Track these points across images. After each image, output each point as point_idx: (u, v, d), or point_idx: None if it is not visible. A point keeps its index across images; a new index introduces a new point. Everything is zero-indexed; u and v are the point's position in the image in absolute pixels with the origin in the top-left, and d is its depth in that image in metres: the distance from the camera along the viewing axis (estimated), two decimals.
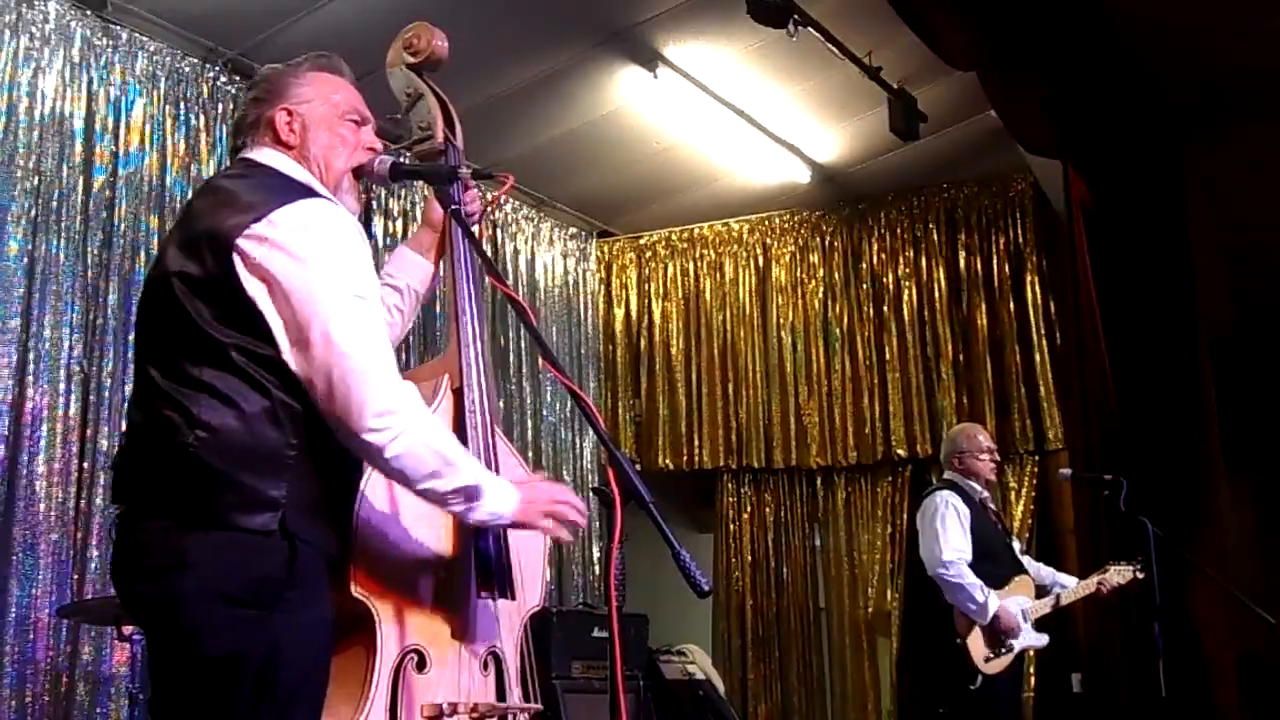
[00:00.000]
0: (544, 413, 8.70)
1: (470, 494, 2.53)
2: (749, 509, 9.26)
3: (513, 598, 2.85)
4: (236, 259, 2.45)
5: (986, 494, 6.45)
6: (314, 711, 2.50)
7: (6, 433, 5.38)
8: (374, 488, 2.66)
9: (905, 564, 8.59)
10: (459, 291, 2.94)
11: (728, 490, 9.30)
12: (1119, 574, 6.26)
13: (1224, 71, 7.21)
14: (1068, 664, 7.76)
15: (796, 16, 6.31)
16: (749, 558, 9.18)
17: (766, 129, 7.94)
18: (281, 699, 2.41)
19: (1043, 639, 6.29)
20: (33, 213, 5.64)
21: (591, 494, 8.51)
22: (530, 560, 2.96)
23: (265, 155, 2.72)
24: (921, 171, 8.57)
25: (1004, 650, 6.03)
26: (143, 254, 6.06)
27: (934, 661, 6.39)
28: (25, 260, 5.55)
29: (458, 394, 2.86)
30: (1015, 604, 6.12)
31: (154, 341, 2.56)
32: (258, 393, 2.44)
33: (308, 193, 2.61)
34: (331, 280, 2.47)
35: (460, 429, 2.83)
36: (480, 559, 2.79)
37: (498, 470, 2.78)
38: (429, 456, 2.48)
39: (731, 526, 9.26)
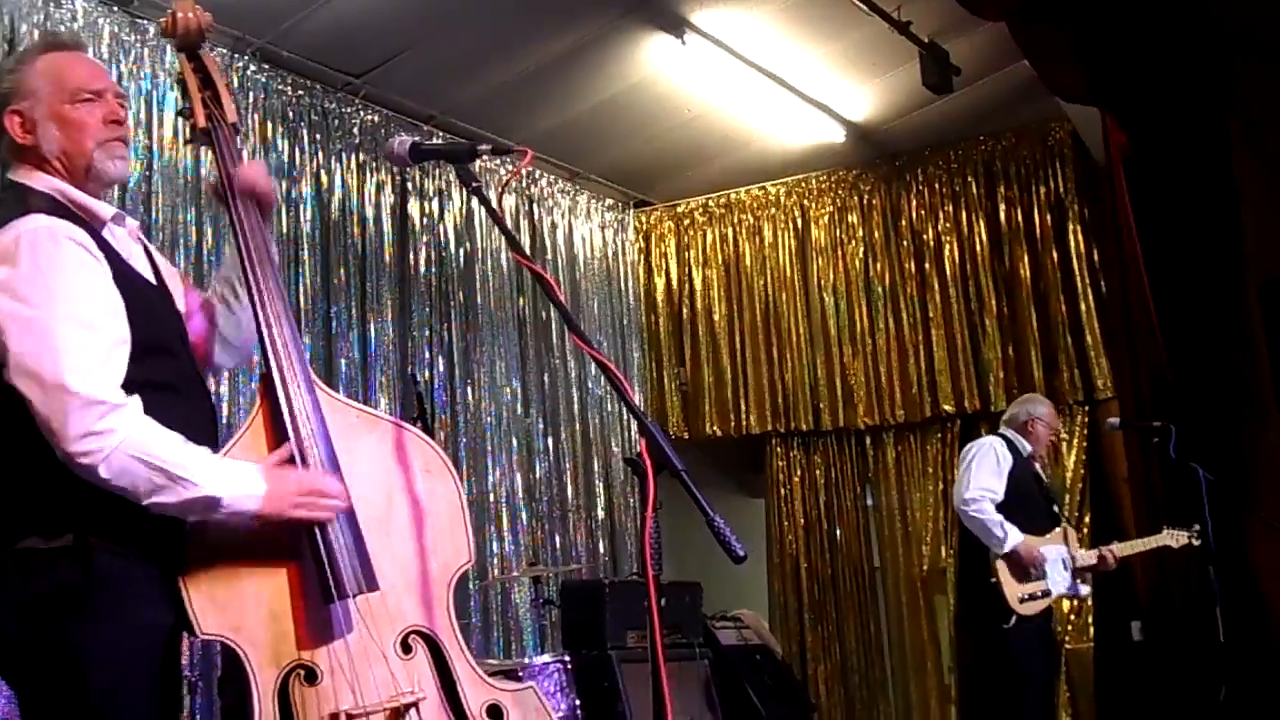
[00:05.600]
0: (589, 385, 8.72)
1: (209, 504, 2.45)
2: (799, 472, 9.25)
3: (375, 589, 2.60)
4: None
5: (1037, 458, 6.43)
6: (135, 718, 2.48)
7: None
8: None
9: (958, 520, 8.55)
10: (253, 273, 2.73)
11: (777, 454, 9.30)
12: (1173, 538, 6.23)
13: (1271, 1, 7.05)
14: (1127, 613, 7.73)
15: None
16: (801, 520, 9.18)
17: (798, 90, 7.89)
18: (93, 708, 2.40)
19: (1083, 589, 6.28)
20: None
21: (624, 464, 8.52)
22: (432, 524, 2.76)
23: (15, 171, 2.64)
24: (958, 125, 8.49)
25: (1040, 594, 6.03)
26: (181, 246, 6.12)
27: (969, 602, 6.45)
28: None
29: (265, 378, 2.68)
30: (1054, 551, 6.12)
31: None
32: (22, 424, 2.40)
33: (21, 212, 2.51)
34: (31, 307, 2.41)
35: (278, 407, 2.65)
36: (328, 559, 2.56)
37: (328, 430, 2.66)
38: (147, 472, 2.39)
39: (782, 490, 9.26)
